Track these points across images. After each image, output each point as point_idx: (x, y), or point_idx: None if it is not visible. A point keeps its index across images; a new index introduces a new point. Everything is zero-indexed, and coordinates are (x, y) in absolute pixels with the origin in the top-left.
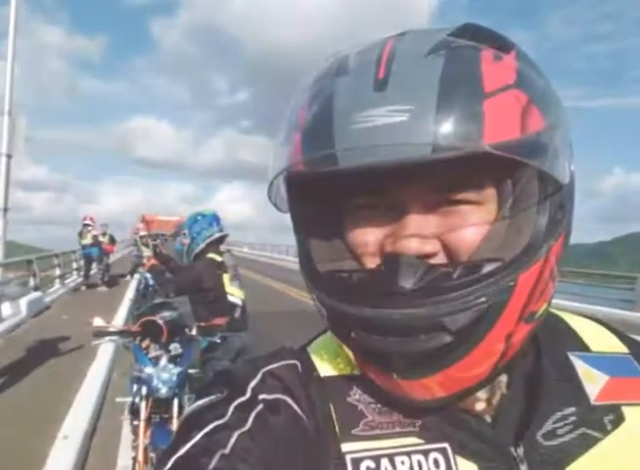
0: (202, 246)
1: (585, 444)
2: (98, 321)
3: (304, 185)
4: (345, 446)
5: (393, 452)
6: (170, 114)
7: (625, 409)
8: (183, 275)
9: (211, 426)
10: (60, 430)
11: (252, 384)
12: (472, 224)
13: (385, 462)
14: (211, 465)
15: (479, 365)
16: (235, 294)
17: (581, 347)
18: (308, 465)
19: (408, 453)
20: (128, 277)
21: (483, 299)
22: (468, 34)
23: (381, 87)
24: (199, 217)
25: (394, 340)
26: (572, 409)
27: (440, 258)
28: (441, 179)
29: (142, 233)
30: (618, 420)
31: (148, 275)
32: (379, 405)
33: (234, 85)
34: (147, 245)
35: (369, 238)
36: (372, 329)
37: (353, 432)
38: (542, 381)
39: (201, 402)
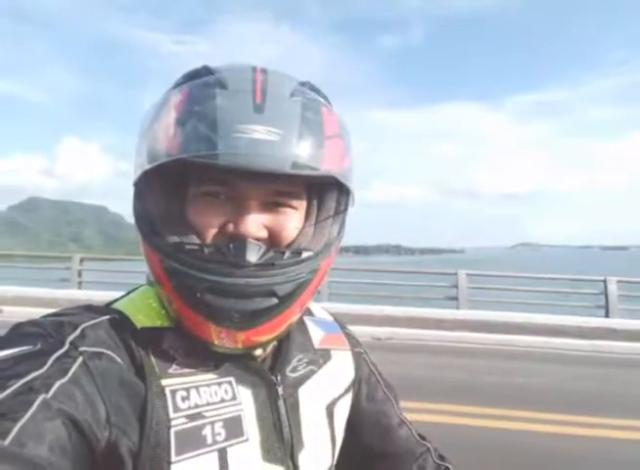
0: None
1: (310, 374)
2: None
3: (162, 172)
4: (164, 382)
5: (198, 384)
6: None
7: (332, 352)
8: None
9: (30, 376)
10: None
11: (71, 338)
12: (291, 223)
13: (193, 391)
14: (37, 402)
15: (285, 321)
16: None
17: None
18: (135, 400)
19: (208, 385)
20: None
21: (303, 275)
22: (309, 86)
23: (258, 110)
24: None
25: (237, 301)
26: (305, 354)
27: (268, 244)
28: (277, 187)
29: None
30: (328, 359)
31: None
32: (186, 351)
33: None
34: None
35: (212, 220)
36: (219, 292)
37: (169, 371)
38: (292, 335)
39: (8, 352)
